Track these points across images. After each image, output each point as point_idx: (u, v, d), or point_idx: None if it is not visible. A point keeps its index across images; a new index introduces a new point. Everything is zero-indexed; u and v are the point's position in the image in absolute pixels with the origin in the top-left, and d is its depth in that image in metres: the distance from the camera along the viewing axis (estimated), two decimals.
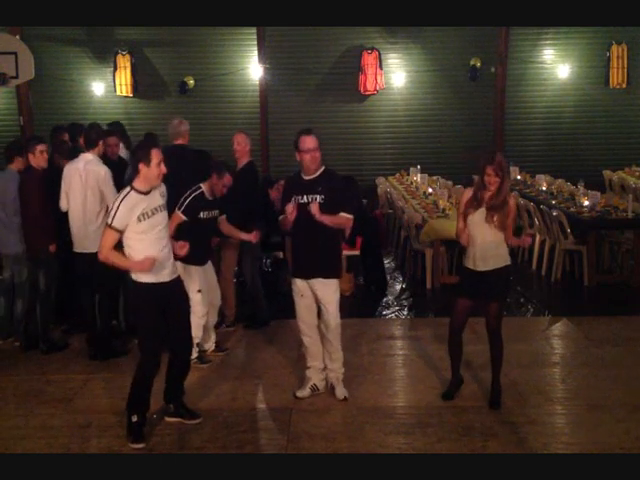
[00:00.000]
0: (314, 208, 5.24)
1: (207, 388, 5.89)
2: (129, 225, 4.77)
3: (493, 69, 14.03)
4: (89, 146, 6.52)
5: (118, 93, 13.95)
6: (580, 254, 9.09)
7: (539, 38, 14.06)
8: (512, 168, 12.71)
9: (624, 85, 13.86)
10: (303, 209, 5.30)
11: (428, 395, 5.71)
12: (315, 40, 13.99)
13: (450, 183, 12.44)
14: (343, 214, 5.44)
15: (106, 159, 6.77)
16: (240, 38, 14.07)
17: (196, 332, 5.96)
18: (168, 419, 5.28)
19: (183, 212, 6.06)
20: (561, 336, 7.30)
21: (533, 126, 14.39)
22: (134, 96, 14.07)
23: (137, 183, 4.84)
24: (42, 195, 6.58)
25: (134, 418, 4.95)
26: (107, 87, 14.10)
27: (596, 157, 14.14)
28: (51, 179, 6.65)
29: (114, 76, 13.88)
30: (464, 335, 5.58)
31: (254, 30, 13.92)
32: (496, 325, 5.40)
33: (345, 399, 5.59)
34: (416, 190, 11.84)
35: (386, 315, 7.98)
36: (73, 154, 6.74)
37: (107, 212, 5.17)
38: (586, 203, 9.62)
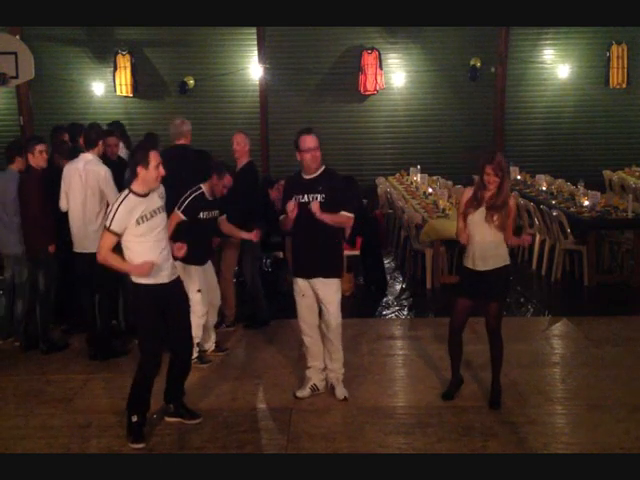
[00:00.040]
0: (315, 207, 5.24)
1: (207, 388, 5.89)
2: (128, 228, 4.76)
3: (493, 69, 14.01)
4: (89, 146, 6.52)
5: (118, 93, 13.94)
6: (580, 254, 9.09)
7: (539, 38, 14.05)
8: (512, 168, 12.70)
9: (624, 85, 13.85)
10: (304, 208, 5.30)
11: (428, 395, 5.71)
12: (315, 40, 13.98)
13: (450, 183, 12.44)
14: (344, 213, 5.44)
15: (106, 159, 6.77)
16: (240, 38, 14.06)
17: (196, 332, 5.96)
18: (168, 419, 5.28)
19: (183, 212, 6.05)
20: (561, 336, 7.30)
21: (533, 126, 14.38)
22: (134, 96, 14.06)
23: (135, 186, 4.84)
24: (42, 195, 6.58)
25: (134, 418, 4.96)
26: (107, 87, 14.09)
27: (596, 157, 14.13)
28: (51, 179, 6.65)
29: (114, 76, 13.87)
30: (464, 335, 5.58)
31: (254, 30, 13.91)
32: (496, 325, 5.41)
33: (345, 399, 5.59)
34: (416, 190, 11.84)
35: (386, 315, 7.98)
36: (73, 154, 6.74)
37: (106, 213, 5.16)
38: (586, 203, 9.62)
